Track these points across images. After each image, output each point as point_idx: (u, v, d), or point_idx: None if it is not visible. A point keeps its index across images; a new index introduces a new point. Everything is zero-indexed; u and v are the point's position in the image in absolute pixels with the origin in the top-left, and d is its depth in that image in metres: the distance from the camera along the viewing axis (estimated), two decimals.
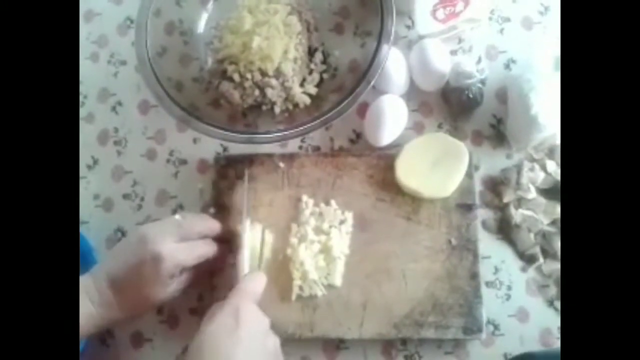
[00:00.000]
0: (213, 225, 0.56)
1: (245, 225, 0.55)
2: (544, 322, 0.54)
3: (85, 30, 0.69)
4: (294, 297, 0.54)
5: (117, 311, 0.50)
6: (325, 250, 0.55)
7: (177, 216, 0.54)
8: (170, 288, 0.51)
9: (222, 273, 0.56)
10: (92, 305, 0.49)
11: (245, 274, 0.53)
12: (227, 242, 0.56)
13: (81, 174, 0.63)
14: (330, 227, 0.56)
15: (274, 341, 0.47)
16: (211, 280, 0.56)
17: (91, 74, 0.67)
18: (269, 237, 0.57)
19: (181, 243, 0.51)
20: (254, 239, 0.56)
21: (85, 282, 0.50)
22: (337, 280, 0.55)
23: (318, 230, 0.56)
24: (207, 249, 0.54)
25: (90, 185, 0.63)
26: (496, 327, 0.54)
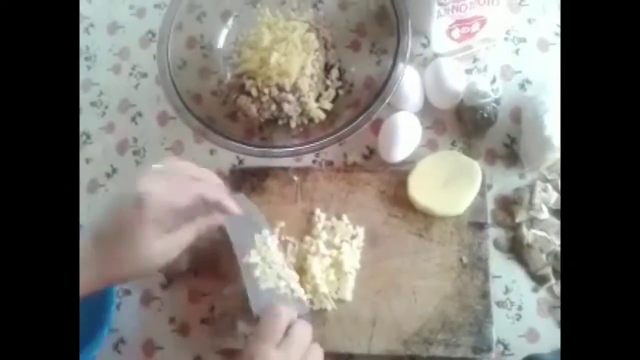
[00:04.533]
0: (209, 173, 0.49)
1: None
2: (555, 343, 0.53)
3: (109, 43, 0.71)
4: None
5: (105, 271, 0.43)
6: (336, 264, 0.56)
7: (156, 165, 0.47)
8: (159, 244, 0.44)
9: (233, 284, 0.57)
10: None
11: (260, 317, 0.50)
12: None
13: (100, 182, 0.65)
14: (342, 241, 0.57)
15: None
16: (222, 291, 0.57)
17: (113, 85, 0.69)
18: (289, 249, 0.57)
19: (169, 183, 0.44)
20: (271, 253, 0.55)
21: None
22: (347, 295, 0.55)
23: (329, 245, 0.57)
24: (202, 188, 0.46)
25: (109, 194, 0.64)
26: (506, 347, 0.54)
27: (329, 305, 0.55)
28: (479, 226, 0.57)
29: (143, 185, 0.43)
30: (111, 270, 0.44)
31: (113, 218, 0.44)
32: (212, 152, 0.65)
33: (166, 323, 0.58)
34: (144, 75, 0.69)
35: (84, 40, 0.72)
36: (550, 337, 0.54)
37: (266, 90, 0.60)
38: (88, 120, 0.68)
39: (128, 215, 0.43)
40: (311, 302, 0.55)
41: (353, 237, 0.57)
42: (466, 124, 0.61)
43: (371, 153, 0.62)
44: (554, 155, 0.55)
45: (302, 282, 0.55)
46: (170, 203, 0.44)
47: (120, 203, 0.44)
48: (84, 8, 0.73)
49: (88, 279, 0.42)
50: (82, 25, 0.72)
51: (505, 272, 0.56)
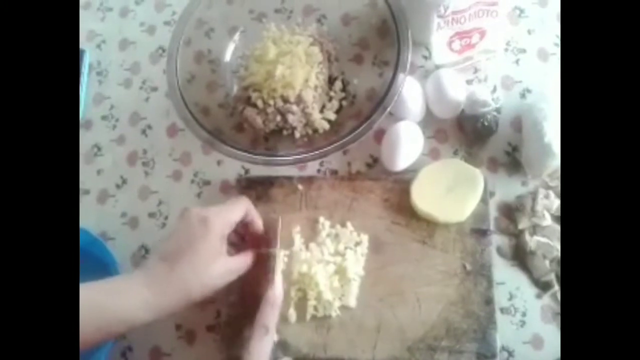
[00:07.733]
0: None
1: (277, 251, 0.56)
2: (559, 349, 0.53)
3: (120, 58, 0.74)
4: (308, 317, 0.55)
5: (172, 290, 0.46)
6: (340, 271, 0.56)
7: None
8: (222, 263, 0.49)
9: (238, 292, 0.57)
10: (145, 289, 0.46)
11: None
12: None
13: (110, 192, 0.67)
14: (346, 248, 0.58)
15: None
16: (228, 298, 0.58)
17: (124, 98, 0.71)
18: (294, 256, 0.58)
19: (219, 206, 0.52)
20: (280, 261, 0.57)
21: (136, 271, 0.49)
22: (352, 302, 0.55)
23: (334, 252, 0.58)
24: (247, 202, 0.54)
25: (118, 204, 0.66)
26: (510, 353, 0.54)
27: (333, 312, 0.55)
28: (482, 233, 0.57)
29: (201, 211, 0.49)
30: (183, 288, 0.47)
31: (180, 235, 0.49)
32: (219, 162, 0.66)
33: (173, 330, 0.59)
34: (154, 89, 0.71)
35: (95, 55, 0.74)
36: (555, 343, 0.54)
37: (271, 102, 0.62)
38: (99, 133, 0.70)
39: (195, 230, 0.48)
40: (315, 308, 0.56)
41: (357, 244, 0.58)
42: (467, 133, 0.62)
43: (375, 162, 0.63)
44: (555, 161, 0.55)
45: (306, 289, 0.56)
46: (228, 218, 0.50)
47: (186, 223, 0.49)
48: (96, 25, 0.76)
49: (162, 303, 0.46)
50: (94, 42, 0.75)
51: (508, 279, 0.57)
